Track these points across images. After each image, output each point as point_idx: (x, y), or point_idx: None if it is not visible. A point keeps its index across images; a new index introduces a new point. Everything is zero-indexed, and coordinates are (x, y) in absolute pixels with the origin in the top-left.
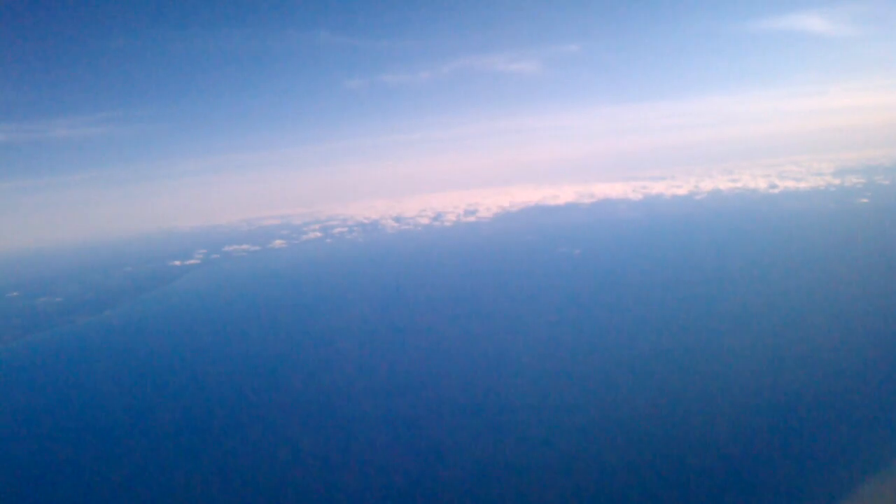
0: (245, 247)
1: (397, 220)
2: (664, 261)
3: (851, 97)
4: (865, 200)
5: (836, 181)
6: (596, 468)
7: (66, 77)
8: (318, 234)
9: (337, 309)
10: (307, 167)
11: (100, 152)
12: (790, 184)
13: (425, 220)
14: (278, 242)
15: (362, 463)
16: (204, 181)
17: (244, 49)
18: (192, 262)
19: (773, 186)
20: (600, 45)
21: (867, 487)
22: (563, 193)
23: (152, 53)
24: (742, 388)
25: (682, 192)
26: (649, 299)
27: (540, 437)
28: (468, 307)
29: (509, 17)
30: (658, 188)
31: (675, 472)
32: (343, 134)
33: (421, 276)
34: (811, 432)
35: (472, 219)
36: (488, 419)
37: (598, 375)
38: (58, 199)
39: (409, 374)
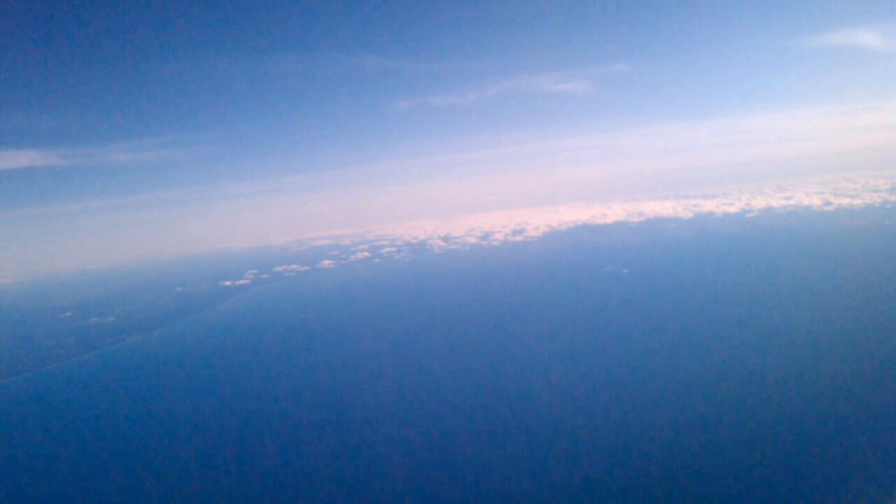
0: (294, 267)
1: (445, 239)
2: (713, 280)
3: None
4: None
5: (893, 198)
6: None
7: (123, 102)
8: (367, 254)
9: (382, 329)
10: (357, 188)
11: (155, 176)
12: (845, 201)
13: (473, 240)
14: (327, 262)
15: (399, 483)
16: (257, 203)
17: (293, 73)
18: (242, 282)
19: (828, 204)
20: (649, 63)
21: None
22: (612, 212)
23: (205, 78)
24: (793, 409)
25: (733, 210)
26: (697, 319)
27: (576, 455)
28: (512, 326)
29: (556, 37)
30: (709, 206)
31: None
32: (392, 155)
33: (466, 295)
34: (850, 465)
35: (519, 238)
36: (531, 440)
37: (641, 397)
38: (114, 221)
39: (455, 394)
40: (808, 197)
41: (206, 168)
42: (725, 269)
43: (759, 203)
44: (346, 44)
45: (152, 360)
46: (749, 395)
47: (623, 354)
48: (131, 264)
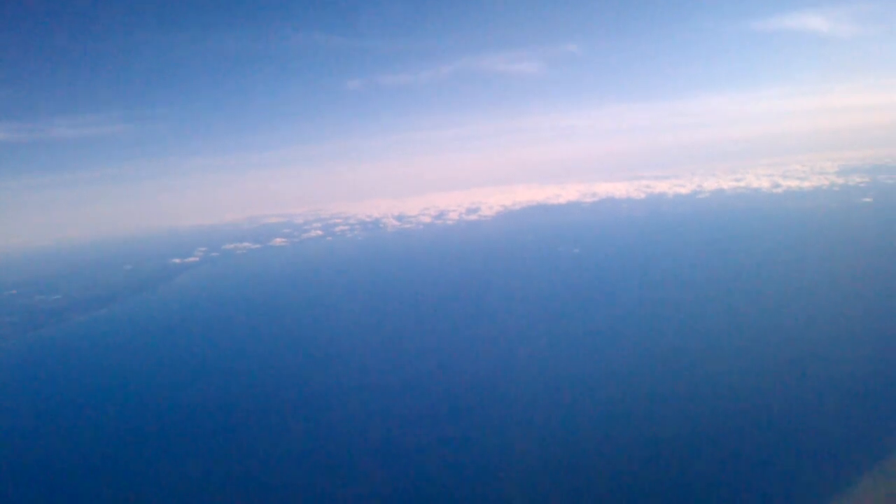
0: (245, 245)
1: (399, 218)
2: (662, 260)
3: (855, 96)
4: (869, 199)
5: (840, 180)
6: (592, 465)
7: (67, 76)
8: (320, 232)
9: (333, 306)
10: (311, 167)
11: (101, 151)
12: (793, 183)
13: (427, 219)
14: (279, 240)
15: (359, 460)
16: (207, 180)
17: (243, 50)
18: (191, 259)
19: (777, 186)
20: (601, 44)
21: (863, 484)
22: (566, 193)
23: (153, 54)
24: (741, 387)
25: (684, 191)
26: (644, 299)
27: (536, 433)
28: (463, 305)
29: (509, 17)
30: (661, 187)
31: (670, 469)
32: (345, 134)
33: (418, 274)
34: (809, 432)
35: (473, 217)
36: (485, 416)
37: (593, 374)
38: (59, 198)
39: (405, 372)
40: (757, 179)
41: (155, 144)
42: (674, 250)
43: (710, 185)
44: (295, 20)
45: (100, 339)
46: (697, 367)
47: (572, 332)
48: (79, 241)
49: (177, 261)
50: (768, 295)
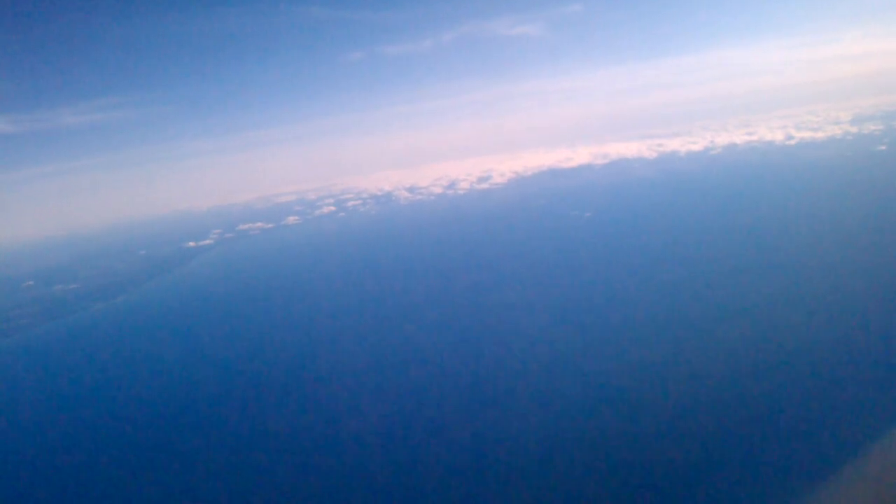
0: (259, 225)
1: (411, 190)
2: (676, 220)
3: (866, 43)
4: (883, 147)
5: (854, 129)
6: (601, 441)
7: (68, 64)
8: (332, 208)
9: (349, 283)
10: (320, 142)
11: (109, 137)
12: (807, 134)
13: (438, 190)
14: (292, 219)
15: (376, 439)
16: (217, 161)
17: (244, 28)
18: (206, 242)
19: (790, 138)
20: (604, 2)
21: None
22: (577, 155)
23: (154, 36)
24: (760, 349)
25: (697, 148)
26: (659, 261)
27: (549, 402)
28: (478, 276)
29: None
30: (673, 145)
31: (683, 441)
32: (351, 107)
33: (433, 247)
34: (810, 399)
35: (485, 185)
36: (501, 388)
37: (609, 341)
38: (70, 186)
39: (426, 347)
40: (770, 132)
41: (161, 127)
42: (687, 209)
43: (722, 140)
44: None
45: (119, 327)
46: (712, 336)
47: (583, 298)
48: (92, 229)
49: (191, 244)
50: (786, 252)
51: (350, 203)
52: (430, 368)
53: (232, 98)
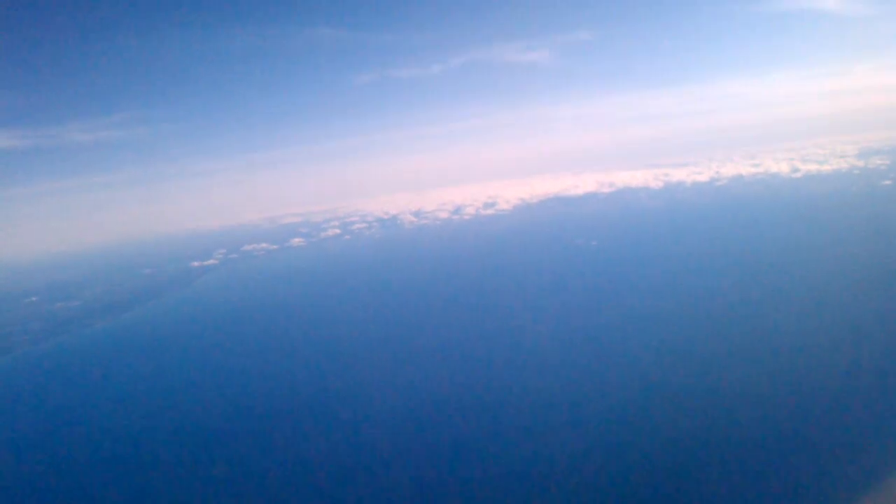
0: (264, 246)
1: (416, 214)
2: (681, 250)
3: (874, 77)
4: (889, 182)
5: (860, 163)
6: (610, 463)
7: (78, 81)
8: (337, 230)
9: (352, 307)
10: (326, 164)
11: (118, 155)
12: (813, 167)
13: (444, 214)
14: (297, 240)
15: (380, 458)
16: (224, 181)
17: (254, 49)
18: (210, 262)
19: (796, 170)
20: (612, 31)
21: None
22: (582, 183)
23: (163, 55)
24: (762, 378)
25: (703, 178)
26: (663, 291)
27: (553, 427)
28: (482, 302)
29: (517, 7)
30: (679, 175)
31: (696, 464)
32: (358, 130)
33: (437, 272)
34: (826, 422)
35: (490, 212)
36: (503, 413)
37: (612, 368)
38: (77, 202)
39: (427, 370)
40: (776, 164)
41: (169, 146)
42: (692, 240)
43: (728, 171)
44: (302, 17)
45: (120, 345)
46: (719, 366)
47: (589, 326)
48: (98, 246)
49: (196, 264)
50: (789, 284)
51: (355, 226)
52: (431, 395)
53: (240, 118)
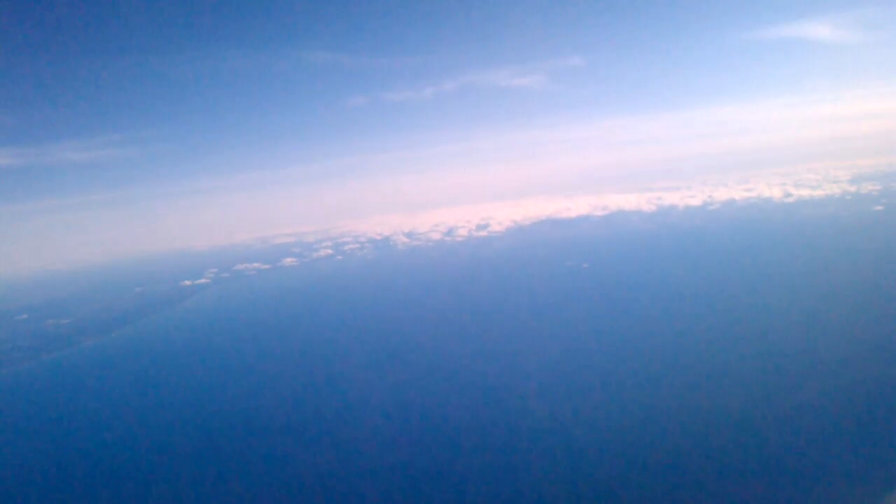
0: (256, 265)
1: (409, 235)
2: (673, 274)
3: (866, 103)
4: (881, 208)
5: (852, 188)
6: (603, 484)
7: (72, 99)
8: (330, 251)
9: (343, 328)
10: (320, 185)
11: (109, 174)
12: (805, 192)
13: (437, 236)
14: (289, 260)
15: (368, 481)
16: (217, 201)
17: (248, 70)
18: (202, 281)
19: (788, 195)
20: (605, 57)
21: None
22: (576, 206)
23: (158, 75)
24: (755, 401)
25: (695, 202)
26: (654, 314)
27: (544, 451)
28: (474, 323)
29: (510, 31)
30: (672, 199)
31: (680, 489)
32: (351, 151)
33: (430, 293)
34: (818, 448)
35: (483, 233)
36: (495, 435)
37: (603, 390)
38: (69, 221)
39: (417, 392)
40: (769, 188)
41: (163, 165)
42: (684, 263)
43: (721, 195)
44: (297, 39)
45: (110, 363)
46: (705, 386)
47: (580, 349)
48: (89, 264)
49: (187, 283)
50: (780, 308)
51: (348, 246)
52: (420, 415)
53: (233, 139)
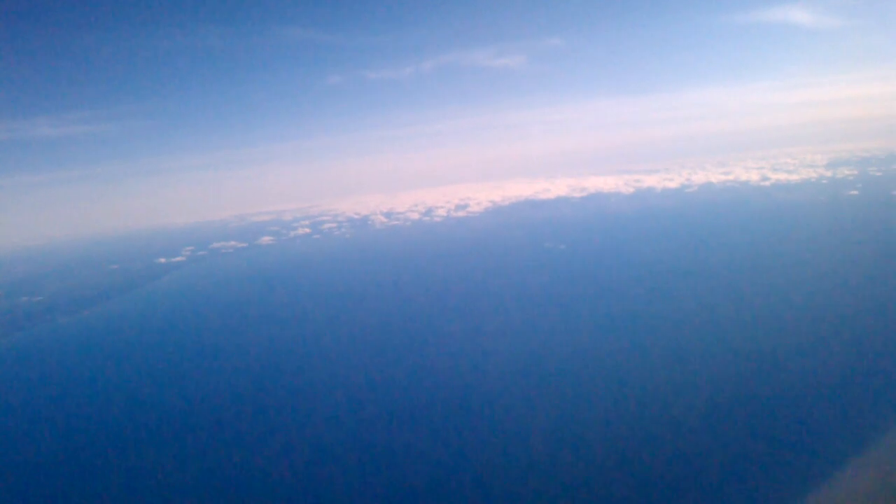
0: (233, 243)
1: (387, 215)
2: (650, 255)
3: (844, 89)
4: (855, 192)
5: (829, 173)
6: (579, 466)
7: (49, 75)
8: (308, 230)
9: (320, 305)
10: (298, 163)
11: (86, 150)
12: (782, 176)
13: (415, 216)
14: (266, 239)
15: (347, 460)
16: (194, 178)
17: (228, 47)
18: (178, 259)
19: (765, 179)
20: (585, 38)
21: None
22: (555, 188)
23: (136, 51)
24: (730, 383)
25: (673, 185)
26: (629, 295)
27: (521, 433)
28: (450, 302)
29: (490, 12)
30: (650, 181)
31: (659, 471)
32: (330, 130)
33: (406, 272)
34: (799, 428)
35: (462, 213)
36: (471, 415)
37: (581, 371)
38: (44, 197)
39: (393, 371)
40: (746, 172)
41: (140, 142)
42: (660, 245)
43: (699, 178)
44: (277, 17)
45: (83, 341)
46: (682, 367)
47: (554, 330)
48: (65, 241)
49: (163, 260)
50: (754, 289)
51: (326, 225)
52: (394, 394)
53: (211, 115)
